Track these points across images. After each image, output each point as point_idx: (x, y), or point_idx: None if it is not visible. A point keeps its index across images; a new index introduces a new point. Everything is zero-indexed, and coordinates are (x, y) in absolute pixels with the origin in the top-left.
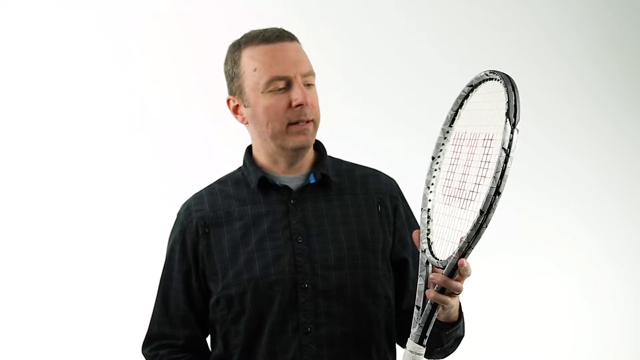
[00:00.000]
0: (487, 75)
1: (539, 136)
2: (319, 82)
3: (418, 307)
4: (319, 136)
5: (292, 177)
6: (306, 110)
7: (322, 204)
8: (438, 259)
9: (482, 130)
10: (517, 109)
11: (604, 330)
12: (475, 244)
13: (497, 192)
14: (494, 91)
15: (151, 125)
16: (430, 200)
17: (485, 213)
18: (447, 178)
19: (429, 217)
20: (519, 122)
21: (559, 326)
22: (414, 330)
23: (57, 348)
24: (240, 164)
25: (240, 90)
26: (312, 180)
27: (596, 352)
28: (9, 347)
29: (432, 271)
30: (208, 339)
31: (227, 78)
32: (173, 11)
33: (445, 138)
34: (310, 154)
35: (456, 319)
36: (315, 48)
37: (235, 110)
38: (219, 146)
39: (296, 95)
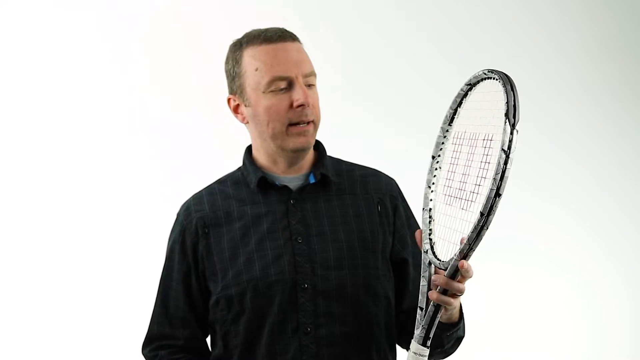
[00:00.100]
0: (485, 74)
1: (539, 136)
2: (319, 82)
3: (421, 308)
4: (319, 136)
5: (292, 177)
6: (307, 111)
7: (322, 204)
8: (440, 260)
9: (481, 130)
10: (517, 109)
11: (604, 330)
12: (477, 246)
13: (497, 194)
14: (493, 90)
15: (151, 125)
16: (431, 200)
17: (486, 215)
18: (448, 178)
19: (430, 216)
20: (518, 123)
21: (559, 326)
22: (417, 331)
23: (57, 348)
24: (240, 164)
25: (241, 90)
26: (312, 181)
27: (596, 352)
28: (9, 347)
29: (435, 272)
30: (208, 340)
31: (227, 77)
32: (173, 11)
33: (444, 137)
34: (310, 154)
35: (457, 319)
36: (315, 48)
37: (235, 110)
38: (218, 146)
39: (297, 95)
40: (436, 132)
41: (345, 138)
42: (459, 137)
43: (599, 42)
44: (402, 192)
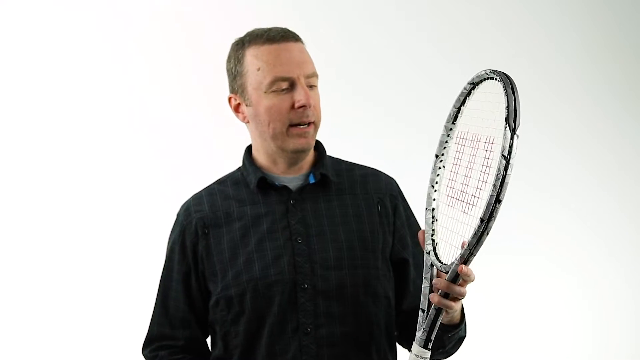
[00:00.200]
0: (487, 74)
1: (539, 136)
2: (319, 82)
3: (423, 310)
4: (319, 136)
5: (292, 177)
6: (308, 112)
7: (322, 204)
8: (442, 263)
9: (483, 132)
10: (517, 113)
11: (604, 330)
12: (477, 251)
13: (498, 200)
14: (495, 92)
15: (151, 125)
16: (434, 200)
17: (486, 221)
18: (450, 179)
19: (433, 216)
20: (519, 127)
21: (559, 326)
22: (419, 334)
23: (58, 348)
24: (240, 164)
25: (243, 89)
26: (312, 181)
27: (596, 352)
28: (9, 347)
29: (436, 275)
30: (208, 340)
31: (229, 76)
32: (173, 11)
33: (448, 136)
34: (310, 154)
35: (458, 321)
36: (316, 48)
37: (236, 109)
38: (218, 146)
39: (299, 96)
40: (436, 131)
41: (345, 138)
42: (462, 137)
43: (599, 42)
44: (402, 192)
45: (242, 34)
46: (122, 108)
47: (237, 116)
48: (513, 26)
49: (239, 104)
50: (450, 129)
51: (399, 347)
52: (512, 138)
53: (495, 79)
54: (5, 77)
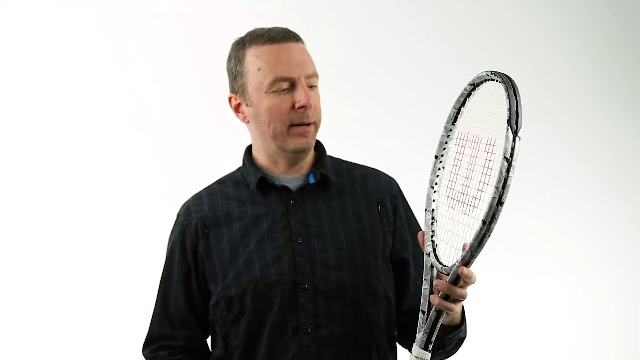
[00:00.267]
0: (488, 75)
1: (539, 136)
2: (319, 82)
3: (423, 312)
4: (319, 136)
5: (292, 177)
6: (309, 113)
7: (322, 204)
8: (442, 264)
9: (484, 134)
10: (519, 115)
11: (604, 330)
12: (479, 253)
13: (500, 202)
14: (496, 93)
15: (151, 125)
16: (434, 201)
17: (488, 223)
18: (451, 180)
19: (433, 217)
20: (520, 129)
21: (559, 326)
22: (419, 335)
23: (58, 348)
24: (240, 164)
25: (243, 89)
26: (312, 181)
27: (596, 352)
28: (9, 347)
29: (437, 276)
30: (208, 340)
31: (229, 76)
32: (173, 11)
33: (448, 136)
34: (310, 154)
35: (459, 322)
36: (316, 48)
37: (236, 109)
38: (218, 146)
39: (300, 97)
40: (436, 131)
41: (345, 138)
42: (462, 138)
43: (599, 42)
44: (402, 192)
45: (242, 34)
46: (122, 108)
47: (238, 116)
48: (513, 26)
49: (239, 104)
50: (450, 130)
51: (399, 347)
52: (514, 140)
53: (497, 81)
54: (5, 77)
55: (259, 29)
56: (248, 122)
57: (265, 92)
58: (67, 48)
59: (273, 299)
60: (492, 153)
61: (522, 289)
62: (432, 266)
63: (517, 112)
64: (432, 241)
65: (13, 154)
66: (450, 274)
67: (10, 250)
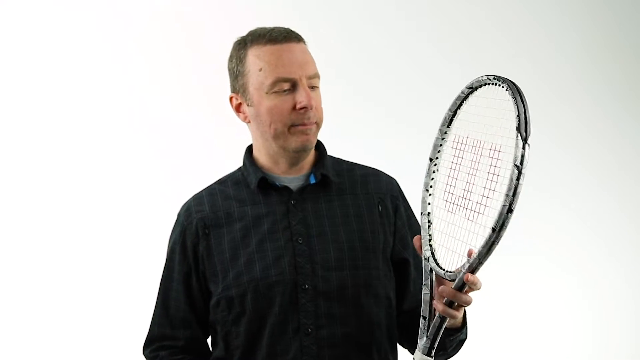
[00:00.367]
0: (490, 79)
1: (539, 136)
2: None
3: (424, 317)
4: (320, 136)
5: (293, 177)
6: (310, 114)
7: (323, 204)
8: (445, 270)
9: (487, 139)
10: (528, 122)
11: (604, 330)
12: (486, 260)
13: (510, 210)
14: (499, 98)
15: (151, 125)
16: (429, 204)
17: (498, 230)
18: (449, 184)
19: (429, 221)
20: (530, 136)
21: (559, 326)
22: (422, 342)
23: (58, 348)
24: (240, 164)
25: (244, 89)
26: (313, 181)
27: (596, 352)
28: (9, 347)
29: (438, 281)
30: (208, 340)
31: (230, 75)
32: (173, 11)
33: (442, 139)
34: (310, 155)
35: (460, 324)
36: (316, 48)
37: (237, 109)
38: (219, 146)
39: (301, 98)
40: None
41: (346, 138)
42: (460, 142)
43: (599, 42)
44: (403, 192)
45: (242, 34)
46: (122, 108)
47: (238, 116)
48: (513, 26)
49: (240, 104)
50: (445, 133)
51: (399, 348)
52: (524, 147)
53: (499, 86)
54: (5, 77)
55: (261, 28)
56: (249, 122)
57: (267, 93)
58: (67, 48)
59: (274, 300)
60: (498, 159)
61: (522, 289)
62: (431, 270)
63: (525, 119)
64: (430, 245)
65: (13, 154)
66: (457, 281)
67: (11, 251)
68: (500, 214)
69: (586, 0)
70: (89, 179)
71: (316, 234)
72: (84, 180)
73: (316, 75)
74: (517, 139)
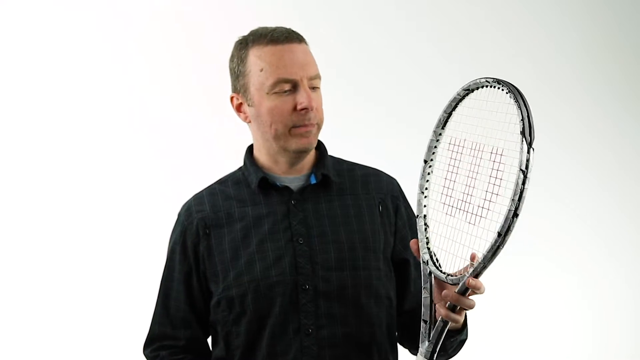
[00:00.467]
0: (488, 82)
1: (539, 136)
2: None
3: (425, 321)
4: (320, 136)
5: (293, 177)
6: (310, 115)
7: (323, 204)
8: (445, 273)
9: (487, 142)
10: (532, 126)
11: (604, 330)
12: (490, 264)
13: (515, 214)
14: (498, 101)
15: (151, 125)
16: (425, 206)
17: (503, 235)
18: (447, 186)
19: (426, 224)
20: (534, 140)
21: (559, 326)
22: (424, 346)
23: (58, 348)
24: (241, 164)
25: (245, 89)
26: (313, 181)
27: (596, 352)
28: (9, 347)
29: (439, 285)
30: (209, 340)
31: (232, 75)
32: (173, 11)
33: (437, 141)
34: (311, 155)
35: (461, 325)
36: (316, 48)
37: (238, 108)
38: (219, 146)
39: (302, 99)
40: None
41: (346, 138)
42: (458, 144)
43: (599, 42)
44: (404, 192)
45: (242, 34)
46: (122, 108)
47: (239, 116)
48: (513, 26)
49: (240, 104)
50: (440, 135)
51: (400, 348)
52: (528, 152)
53: (501, 89)
54: (5, 77)
55: (262, 28)
56: (249, 122)
57: (267, 93)
58: (67, 48)
59: (274, 300)
60: (500, 163)
61: (522, 289)
62: (430, 274)
63: (530, 123)
64: (428, 248)
65: (13, 154)
66: (460, 285)
67: (11, 251)
68: (506, 219)
69: (586, 0)
70: (89, 179)
71: (317, 234)
72: (84, 180)
73: (317, 76)
74: (522, 144)
